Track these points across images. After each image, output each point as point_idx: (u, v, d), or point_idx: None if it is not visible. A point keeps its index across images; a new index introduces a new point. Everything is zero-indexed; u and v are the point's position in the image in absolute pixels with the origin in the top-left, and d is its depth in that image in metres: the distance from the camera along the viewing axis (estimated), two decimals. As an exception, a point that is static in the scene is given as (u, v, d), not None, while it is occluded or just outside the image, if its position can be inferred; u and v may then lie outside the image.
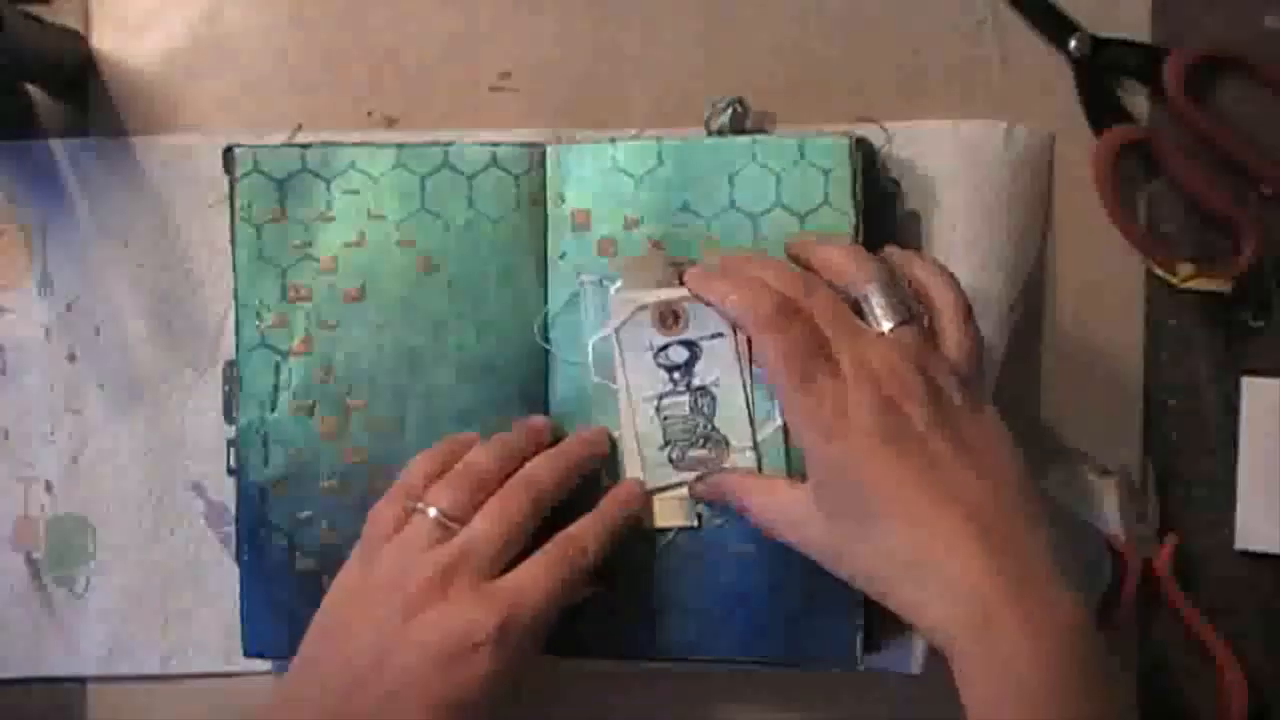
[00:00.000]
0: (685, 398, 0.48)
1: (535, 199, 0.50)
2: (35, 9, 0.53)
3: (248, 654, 0.50)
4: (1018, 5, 0.53)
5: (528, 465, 0.47)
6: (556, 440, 0.48)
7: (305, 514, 0.50)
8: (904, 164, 0.51)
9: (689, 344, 0.48)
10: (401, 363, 0.50)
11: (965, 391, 0.42)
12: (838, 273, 0.44)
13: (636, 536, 0.48)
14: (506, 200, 0.50)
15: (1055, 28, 0.53)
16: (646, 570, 0.48)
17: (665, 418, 0.48)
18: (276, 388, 0.50)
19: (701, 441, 0.48)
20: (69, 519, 0.54)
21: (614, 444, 0.49)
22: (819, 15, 0.53)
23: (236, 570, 0.50)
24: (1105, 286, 0.53)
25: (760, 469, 0.47)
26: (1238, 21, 0.53)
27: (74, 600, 0.54)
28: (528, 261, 0.50)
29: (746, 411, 0.47)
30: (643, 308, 0.48)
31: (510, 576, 0.44)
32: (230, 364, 0.52)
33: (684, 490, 0.48)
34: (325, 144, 0.50)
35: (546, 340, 0.50)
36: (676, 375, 0.48)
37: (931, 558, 0.40)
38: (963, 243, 0.50)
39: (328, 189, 0.50)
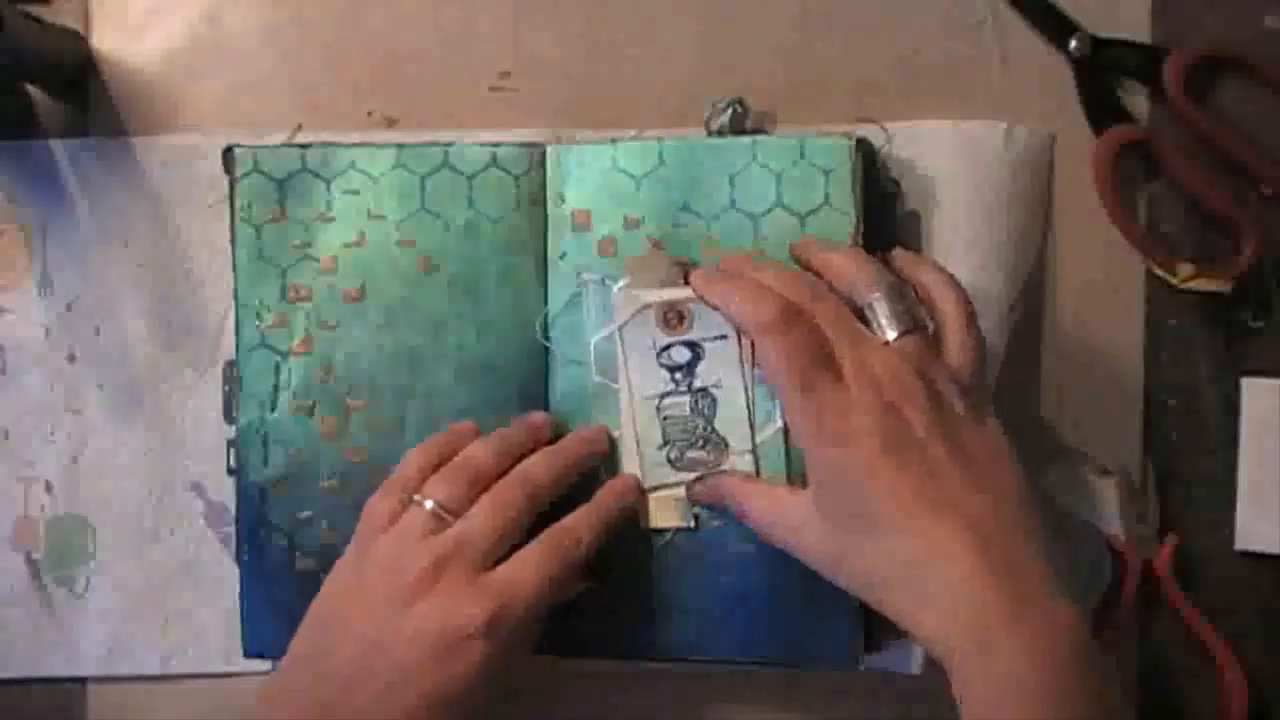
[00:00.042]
0: (686, 398, 0.48)
1: (535, 199, 0.50)
2: (35, 9, 0.53)
3: (248, 654, 0.50)
4: (1018, 5, 0.53)
5: (525, 461, 0.47)
6: (557, 437, 0.48)
7: (305, 514, 0.50)
8: (904, 164, 0.51)
9: (692, 345, 0.48)
10: (401, 363, 0.50)
11: (967, 401, 0.42)
12: (843, 279, 0.44)
13: (635, 536, 0.48)
14: (506, 200, 0.50)
15: (1055, 28, 0.53)
16: (646, 570, 0.48)
17: (665, 418, 0.48)
18: (276, 388, 0.50)
19: (701, 443, 0.48)
20: (69, 519, 0.54)
21: (613, 443, 0.49)
22: (819, 15, 0.53)
23: (236, 570, 0.50)
24: (1105, 286, 0.53)
25: (759, 472, 0.47)
26: (1238, 21, 0.53)
27: (74, 600, 0.54)
28: (528, 261, 0.50)
29: (747, 415, 0.47)
30: (646, 307, 0.48)
31: (503, 568, 0.44)
32: (230, 364, 0.52)
33: (681, 491, 0.48)
34: (325, 144, 0.50)
35: (547, 339, 0.50)
36: (678, 376, 0.48)
37: (929, 568, 0.40)
38: (963, 243, 0.50)
39: (328, 189, 0.50)
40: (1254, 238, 0.51)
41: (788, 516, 0.44)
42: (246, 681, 0.53)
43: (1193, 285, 0.52)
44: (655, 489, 0.48)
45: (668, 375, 0.48)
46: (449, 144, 0.50)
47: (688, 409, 0.48)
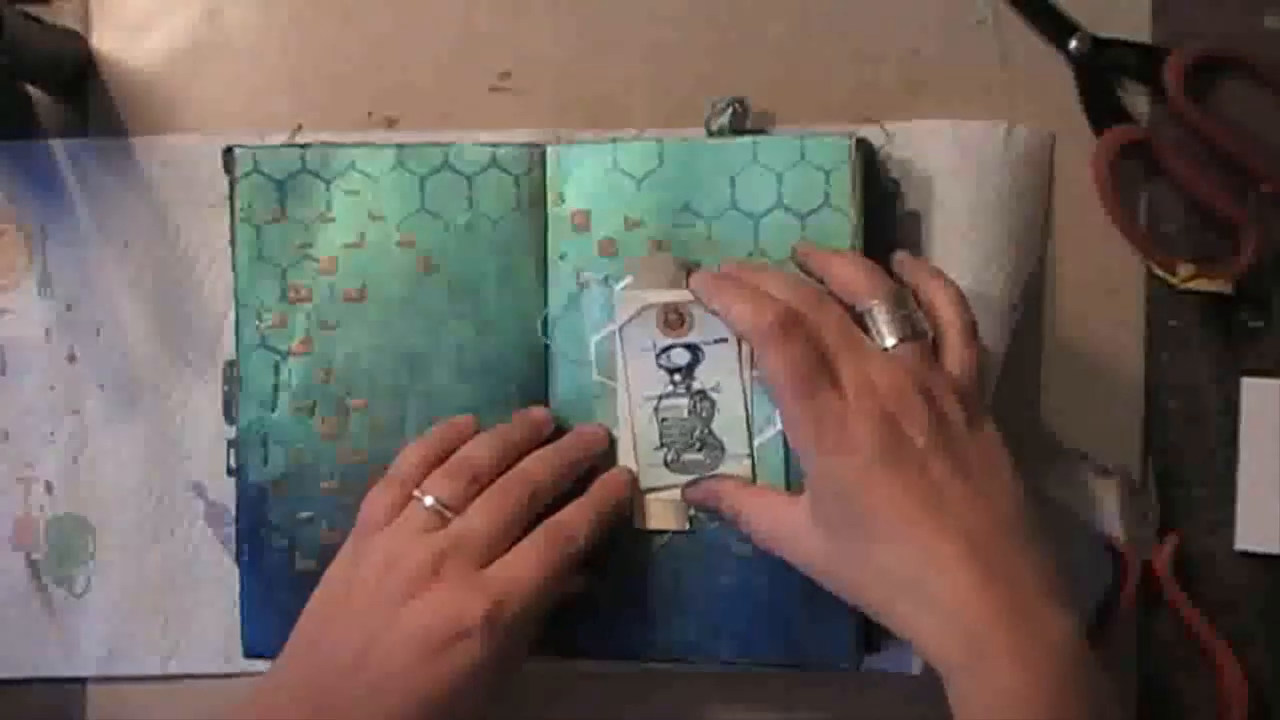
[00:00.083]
0: (684, 401, 0.48)
1: (535, 199, 0.50)
2: (35, 9, 0.53)
3: (248, 654, 0.50)
4: (1018, 5, 0.53)
5: (526, 460, 0.47)
6: (558, 432, 0.49)
7: (305, 514, 0.50)
8: (904, 164, 0.51)
9: (692, 347, 0.48)
10: (401, 363, 0.50)
11: (966, 409, 0.42)
12: (843, 284, 0.44)
13: (633, 538, 0.48)
14: (506, 200, 0.50)
15: (1055, 28, 0.53)
16: (646, 571, 0.48)
17: (663, 419, 0.48)
18: (276, 388, 0.50)
19: (698, 445, 0.48)
20: (69, 519, 0.54)
21: (613, 442, 0.49)
22: (819, 15, 0.53)
23: (236, 570, 0.50)
24: (1105, 286, 0.53)
25: (755, 477, 0.47)
26: (1238, 21, 0.53)
27: (74, 600, 0.54)
28: (528, 261, 0.50)
29: (745, 419, 0.47)
30: (649, 307, 0.48)
31: (500, 564, 0.44)
32: (230, 364, 0.52)
33: (677, 494, 0.48)
34: (325, 144, 0.50)
35: (546, 336, 0.50)
36: (677, 378, 0.48)
37: (926, 579, 0.40)
38: (963, 243, 0.50)
39: (328, 189, 0.50)
40: (1254, 238, 0.51)
41: (783, 523, 0.44)
42: (246, 682, 0.53)
43: (1193, 285, 0.52)
44: (651, 490, 0.48)
45: (667, 377, 0.48)
46: (449, 144, 0.50)
47: (686, 411, 0.48)
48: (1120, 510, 0.52)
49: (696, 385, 0.48)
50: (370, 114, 0.54)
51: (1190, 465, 0.53)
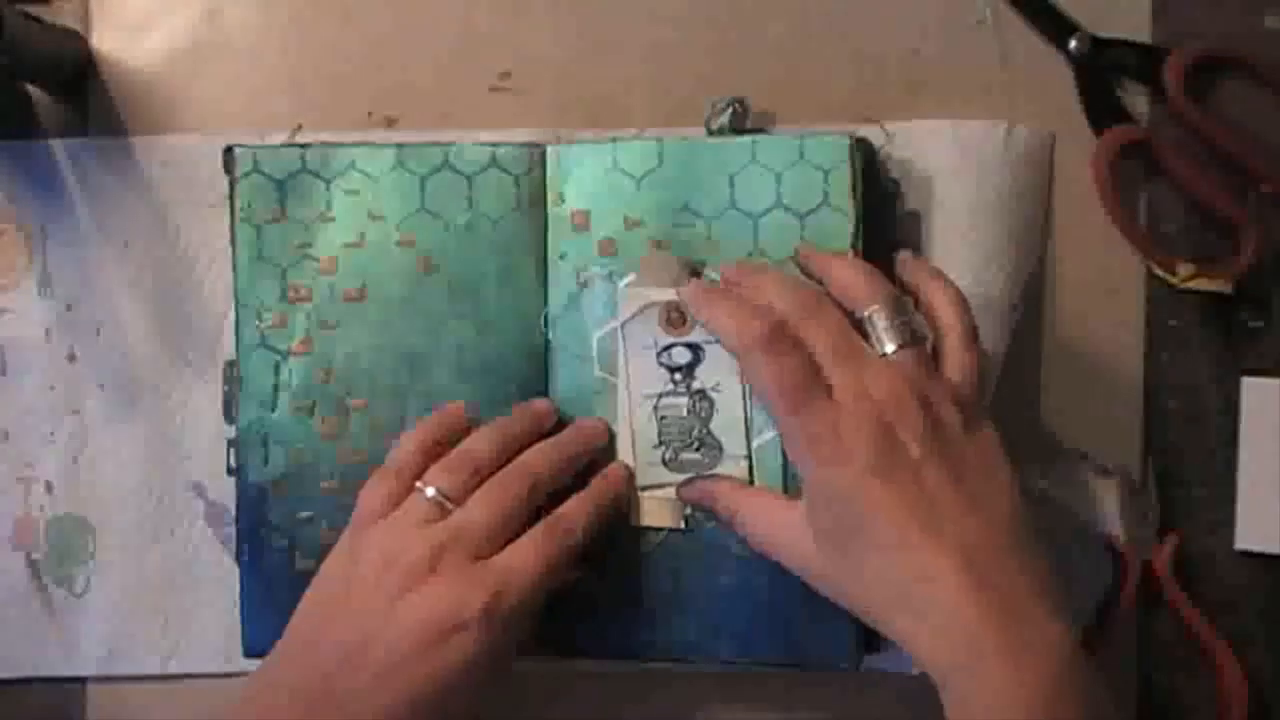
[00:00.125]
0: (684, 400, 0.48)
1: (535, 199, 0.50)
2: (35, 9, 0.53)
3: (248, 654, 0.50)
4: (1018, 5, 0.53)
5: (526, 453, 0.47)
6: (560, 424, 0.49)
7: (305, 514, 0.50)
8: (904, 164, 0.51)
9: (693, 346, 0.48)
10: (401, 363, 0.50)
11: (964, 415, 0.42)
12: (843, 290, 0.44)
13: (633, 536, 0.48)
14: (506, 200, 0.50)
15: (1055, 28, 0.53)
16: (645, 571, 0.48)
17: (662, 418, 0.48)
18: (276, 388, 0.50)
19: (696, 445, 0.48)
20: (69, 519, 0.54)
21: (613, 437, 0.49)
22: (819, 15, 0.53)
23: (236, 570, 0.50)
24: (1105, 286, 0.53)
25: (753, 479, 0.47)
26: (1238, 21, 0.53)
27: (74, 600, 0.54)
28: (528, 261, 0.50)
29: (744, 420, 0.47)
30: (651, 305, 0.48)
31: (499, 557, 0.44)
32: (230, 364, 0.52)
33: (673, 492, 0.48)
34: (325, 144, 0.50)
35: (546, 330, 0.50)
36: (677, 376, 0.48)
37: (920, 587, 0.40)
38: (963, 243, 0.50)
39: (328, 189, 0.50)
40: (1254, 238, 0.51)
41: (779, 528, 0.44)
42: (246, 681, 0.53)
43: (1193, 285, 0.52)
44: (648, 489, 0.48)
45: (667, 375, 0.48)
46: (449, 144, 0.50)
47: (685, 410, 0.48)
48: (1120, 510, 0.52)
49: (696, 385, 0.48)
50: (370, 114, 0.54)
51: (1190, 465, 0.53)
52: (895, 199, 0.51)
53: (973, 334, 0.44)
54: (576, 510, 0.46)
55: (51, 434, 0.54)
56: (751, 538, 0.46)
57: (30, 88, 0.54)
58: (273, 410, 0.50)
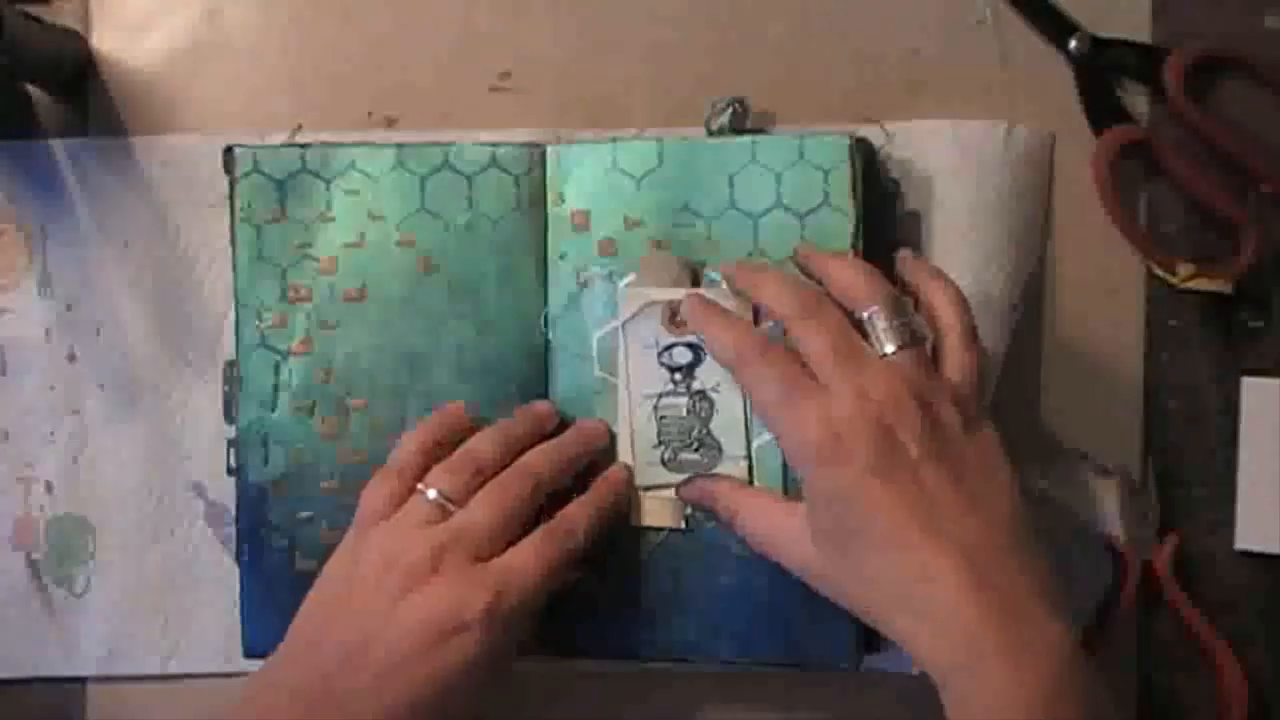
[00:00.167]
0: (684, 400, 0.48)
1: (535, 199, 0.50)
2: (35, 9, 0.53)
3: (248, 654, 0.50)
4: (1018, 5, 0.53)
5: (528, 454, 0.47)
6: (561, 425, 0.49)
7: (305, 514, 0.50)
8: (904, 164, 0.51)
9: (694, 347, 0.48)
10: (401, 363, 0.50)
11: (963, 416, 0.42)
12: (843, 290, 0.44)
13: (633, 536, 0.48)
14: (506, 200, 0.50)
15: (1055, 28, 0.53)
16: (645, 571, 0.48)
17: (662, 417, 0.48)
18: (276, 388, 0.50)
19: (695, 445, 0.48)
20: (69, 519, 0.54)
21: (613, 438, 0.49)
22: (819, 15, 0.53)
23: (236, 570, 0.50)
24: (1105, 286, 0.53)
25: (752, 478, 0.47)
26: (1238, 21, 0.53)
27: (74, 600, 0.54)
28: (528, 261, 0.50)
29: (744, 421, 0.47)
30: (653, 304, 0.48)
31: (501, 559, 0.44)
32: (230, 364, 0.52)
33: (672, 492, 0.48)
34: (325, 144, 0.51)
35: (546, 329, 0.50)
36: (678, 376, 0.48)
37: (919, 588, 0.40)
38: (963, 243, 0.50)
39: (328, 189, 0.50)
40: (1254, 238, 0.51)
41: (779, 528, 0.44)
42: (246, 681, 0.53)
43: (1193, 285, 0.52)
44: (647, 488, 0.48)
45: (667, 375, 0.48)
46: (449, 144, 0.50)
47: (684, 410, 0.48)
48: (1120, 510, 0.52)
49: (697, 385, 0.48)
50: (370, 114, 0.54)
51: (1190, 465, 0.53)
52: (895, 199, 0.51)
53: (973, 334, 0.44)
54: (578, 513, 0.46)
55: (51, 434, 0.54)
56: (751, 538, 0.46)
57: (30, 88, 0.54)
58: (273, 410, 0.50)
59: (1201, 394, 0.53)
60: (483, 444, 0.47)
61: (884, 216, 0.50)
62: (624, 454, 0.49)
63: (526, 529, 0.45)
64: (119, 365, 0.54)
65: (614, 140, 0.50)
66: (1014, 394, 0.52)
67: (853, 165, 0.48)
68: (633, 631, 0.48)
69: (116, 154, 0.54)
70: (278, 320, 0.50)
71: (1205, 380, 0.53)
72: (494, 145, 0.50)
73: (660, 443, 0.48)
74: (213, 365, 0.53)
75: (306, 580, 0.46)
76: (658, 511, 0.48)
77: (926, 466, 0.41)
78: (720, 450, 0.48)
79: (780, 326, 0.44)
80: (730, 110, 0.51)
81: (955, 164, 0.51)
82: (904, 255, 0.47)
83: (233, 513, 0.51)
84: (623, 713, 0.53)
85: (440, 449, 0.47)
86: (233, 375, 0.51)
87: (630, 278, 0.49)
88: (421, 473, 0.46)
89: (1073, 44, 0.53)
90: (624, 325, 0.48)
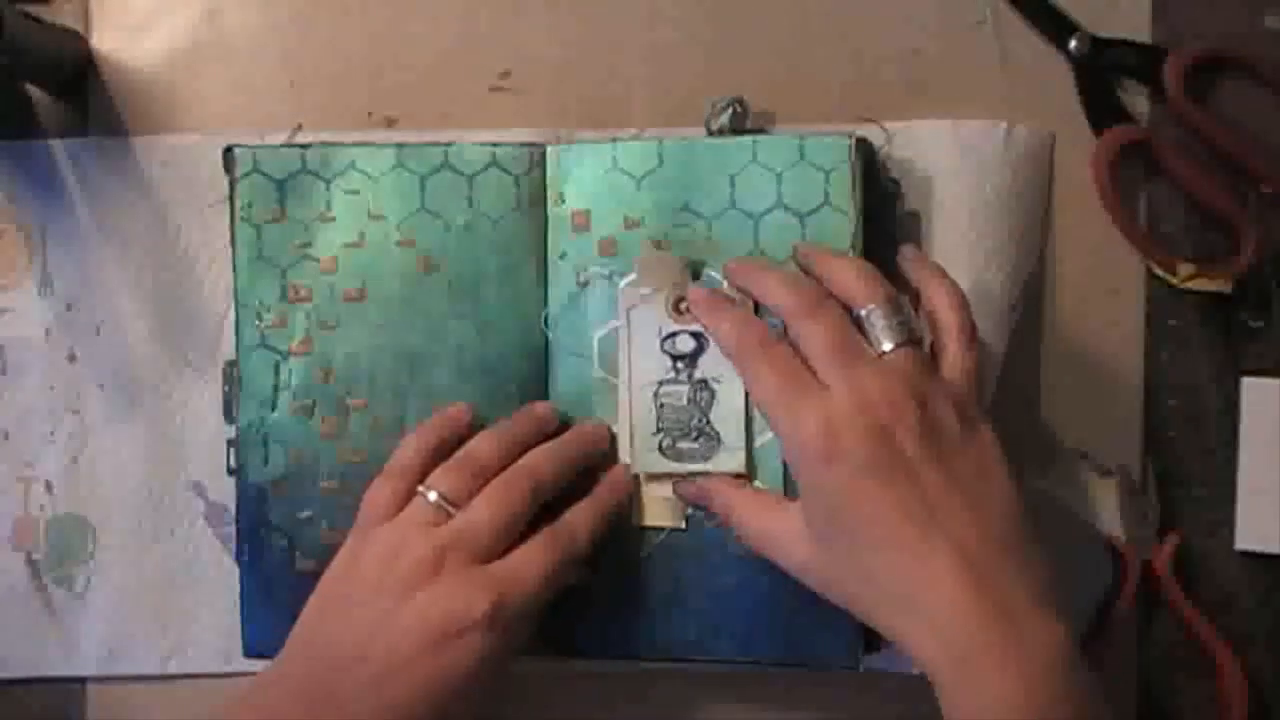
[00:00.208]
0: (685, 388, 0.48)
1: (535, 199, 0.50)
2: (35, 9, 0.53)
3: (248, 654, 0.50)
4: (1018, 5, 0.53)
5: (529, 454, 0.47)
6: (562, 425, 0.49)
7: (305, 514, 0.50)
8: (904, 164, 0.51)
9: (697, 336, 0.48)
10: (401, 363, 0.50)
11: (961, 416, 0.42)
12: (842, 288, 0.44)
13: (633, 536, 0.48)
14: (506, 200, 0.50)
15: (1055, 28, 0.53)
16: (645, 570, 0.48)
17: (661, 405, 0.48)
18: (276, 388, 0.50)
19: (694, 435, 0.48)
20: (69, 519, 0.54)
21: (614, 438, 0.49)
22: (819, 15, 0.53)
23: (236, 570, 0.50)
24: (1105, 286, 0.53)
25: (753, 473, 0.47)
26: (1238, 21, 0.53)
27: (74, 600, 0.54)
28: (528, 261, 0.50)
29: (744, 411, 0.47)
30: (658, 291, 0.48)
31: (504, 561, 0.44)
32: (230, 364, 0.52)
33: (671, 489, 0.48)
34: (325, 144, 0.51)
35: (546, 327, 0.50)
36: (680, 364, 0.48)
37: (916, 590, 0.40)
38: (963, 242, 0.50)
39: (328, 189, 0.50)
40: (1254, 238, 0.52)
41: (775, 528, 0.44)
42: (246, 682, 0.52)
43: (1193, 285, 0.52)
44: (646, 480, 0.48)
45: (669, 363, 0.48)
46: (449, 144, 0.50)
47: (685, 399, 0.48)
48: (1120, 510, 0.53)
49: (699, 374, 0.48)
50: (370, 114, 0.54)
51: (1190, 465, 0.53)
52: (895, 199, 0.51)
53: (972, 332, 0.44)
54: (581, 517, 0.46)
55: (51, 434, 0.54)
56: (747, 536, 0.46)
57: (30, 88, 0.54)
58: (273, 410, 0.50)
59: (1201, 394, 0.53)
60: (483, 445, 0.47)
61: (884, 216, 0.50)
62: (622, 440, 0.48)
63: (528, 529, 0.45)
64: (119, 365, 0.54)
65: (614, 140, 0.50)
66: (1014, 394, 0.52)
67: (853, 165, 0.48)
68: (632, 631, 0.48)
69: (116, 154, 0.54)
70: (278, 320, 0.50)
71: (1205, 380, 0.53)
72: (494, 145, 0.50)
73: (659, 430, 0.48)
74: (213, 365, 0.53)
75: (306, 580, 0.46)
76: (659, 511, 0.48)
77: (924, 466, 0.41)
78: (719, 440, 0.48)
79: (781, 324, 0.44)
80: (730, 110, 0.51)
81: (955, 164, 0.51)
82: (906, 250, 0.47)
83: (233, 513, 0.51)
84: (622, 712, 0.53)
85: (441, 450, 0.47)
86: (233, 375, 0.51)
87: (630, 278, 0.49)
88: (423, 474, 0.46)
89: (1073, 44, 0.53)
90: (627, 312, 0.48)
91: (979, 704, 0.38)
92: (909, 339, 0.43)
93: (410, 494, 0.46)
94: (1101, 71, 0.53)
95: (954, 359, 0.44)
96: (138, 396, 0.54)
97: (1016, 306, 0.51)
